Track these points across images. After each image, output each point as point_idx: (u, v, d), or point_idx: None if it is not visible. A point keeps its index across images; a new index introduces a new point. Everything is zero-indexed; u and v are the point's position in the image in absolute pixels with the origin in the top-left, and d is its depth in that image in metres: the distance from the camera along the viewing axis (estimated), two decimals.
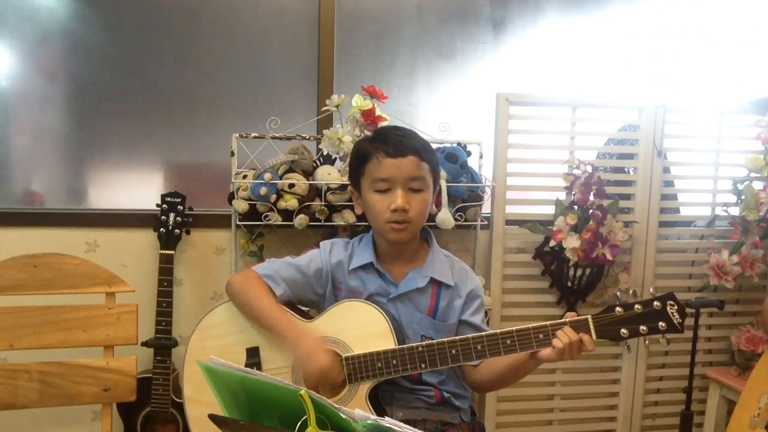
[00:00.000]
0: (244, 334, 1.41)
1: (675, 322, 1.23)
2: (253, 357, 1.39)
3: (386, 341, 1.32)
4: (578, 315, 1.28)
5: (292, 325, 1.36)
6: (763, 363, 1.63)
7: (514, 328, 1.28)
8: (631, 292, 1.31)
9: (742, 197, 2.17)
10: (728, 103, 2.29)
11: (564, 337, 1.23)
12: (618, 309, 1.25)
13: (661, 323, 1.23)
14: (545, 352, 1.25)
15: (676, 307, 1.24)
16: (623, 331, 1.24)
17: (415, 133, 1.44)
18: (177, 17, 2.16)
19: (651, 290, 1.29)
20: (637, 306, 1.24)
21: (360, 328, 1.35)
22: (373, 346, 1.32)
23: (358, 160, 1.41)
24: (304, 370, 1.30)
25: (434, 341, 1.31)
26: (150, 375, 1.87)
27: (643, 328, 1.24)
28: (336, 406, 0.76)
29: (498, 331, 1.29)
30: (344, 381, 1.33)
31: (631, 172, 2.28)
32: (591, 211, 2.05)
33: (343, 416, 0.75)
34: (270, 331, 1.37)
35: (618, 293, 1.32)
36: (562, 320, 1.26)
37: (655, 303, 1.24)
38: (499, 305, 2.18)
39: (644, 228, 2.24)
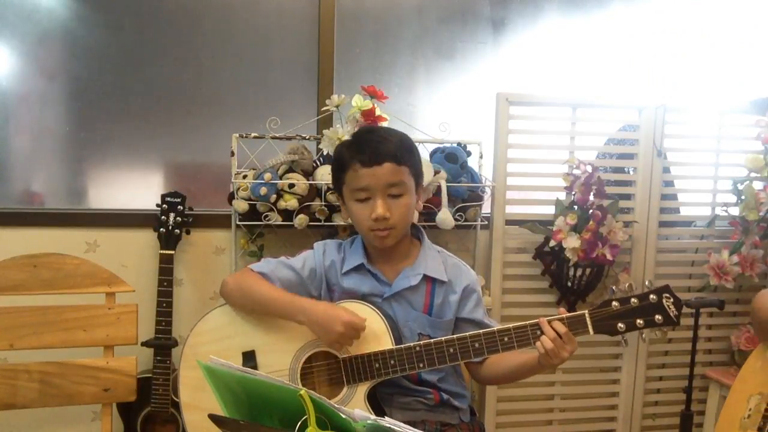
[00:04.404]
0: (239, 338, 1.41)
1: (671, 314, 1.25)
2: (249, 361, 1.39)
3: (383, 341, 1.33)
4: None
5: (299, 299, 1.35)
6: (750, 362, 1.62)
7: (511, 325, 1.29)
8: (627, 285, 1.31)
9: (742, 197, 2.17)
10: (728, 103, 2.29)
11: (546, 341, 1.24)
12: (614, 303, 1.26)
13: (657, 316, 1.25)
14: (538, 354, 1.26)
15: (672, 300, 1.25)
16: (620, 325, 1.25)
17: (392, 134, 1.39)
18: (177, 17, 2.16)
19: (647, 283, 1.30)
20: (633, 300, 1.25)
21: None
22: (370, 346, 1.32)
23: (338, 169, 1.39)
24: (329, 332, 1.30)
25: (431, 340, 1.31)
26: (150, 375, 1.87)
27: (639, 321, 1.25)
28: (336, 406, 0.76)
29: (495, 328, 1.30)
30: (342, 382, 1.33)
31: (631, 172, 2.27)
32: (591, 211, 2.05)
33: (343, 416, 0.75)
34: (277, 312, 1.37)
35: (613, 288, 1.33)
36: (558, 315, 1.27)
37: (651, 296, 1.25)
38: (499, 305, 2.18)
39: (644, 228, 2.24)
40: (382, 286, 1.43)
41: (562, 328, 1.24)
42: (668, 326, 1.25)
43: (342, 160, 1.37)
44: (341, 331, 1.28)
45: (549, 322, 1.26)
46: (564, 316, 1.27)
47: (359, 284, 1.43)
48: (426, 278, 1.42)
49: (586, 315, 1.26)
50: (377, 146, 1.33)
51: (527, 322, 1.28)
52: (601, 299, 2.19)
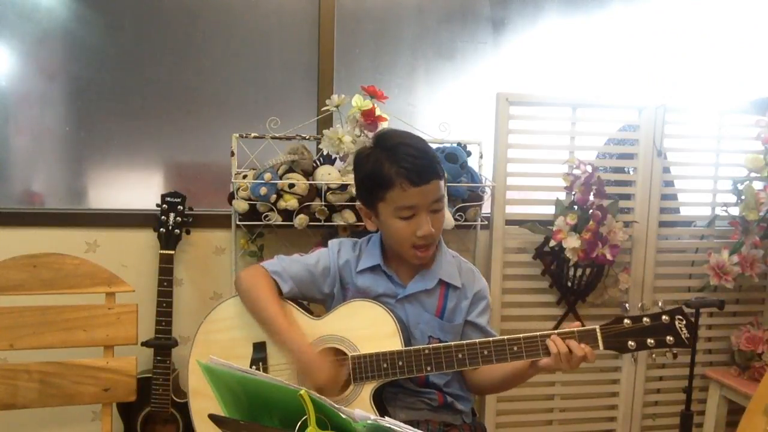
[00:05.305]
0: (251, 328, 1.41)
1: (683, 336, 1.25)
2: (260, 352, 1.39)
3: (393, 342, 1.33)
4: (578, 315, 1.28)
5: (294, 336, 1.34)
6: None
7: (521, 335, 1.28)
8: (639, 305, 1.31)
9: (742, 197, 2.17)
10: (728, 103, 2.29)
11: (560, 345, 1.23)
12: (626, 321, 1.26)
13: (669, 337, 1.25)
14: (544, 360, 1.26)
15: (684, 322, 1.25)
16: (630, 343, 1.25)
17: (425, 144, 1.37)
18: (176, 17, 2.16)
19: (660, 304, 1.31)
20: (645, 319, 1.25)
21: (367, 327, 1.35)
22: (379, 346, 1.33)
23: (377, 184, 1.32)
24: (312, 382, 1.29)
25: (441, 344, 1.31)
26: (150, 375, 1.87)
27: (650, 341, 1.25)
28: (336, 406, 0.76)
29: (505, 337, 1.30)
30: (348, 380, 1.33)
31: (631, 172, 2.28)
32: (591, 211, 2.05)
33: (343, 416, 0.75)
34: (272, 337, 1.37)
35: (626, 305, 1.33)
36: (570, 329, 1.27)
37: (664, 317, 1.25)
38: (499, 305, 2.18)
39: (644, 228, 2.24)
40: (396, 287, 1.43)
41: (575, 345, 1.24)
42: (679, 348, 1.25)
43: (384, 175, 1.30)
44: (321, 385, 1.28)
45: (562, 338, 1.25)
46: (575, 330, 1.26)
47: (373, 284, 1.43)
48: (440, 282, 1.43)
49: (597, 330, 1.26)
50: (425, 164, 1.31)
51: (537, 333, 1.27)
52: (601, 300, 2.21)
